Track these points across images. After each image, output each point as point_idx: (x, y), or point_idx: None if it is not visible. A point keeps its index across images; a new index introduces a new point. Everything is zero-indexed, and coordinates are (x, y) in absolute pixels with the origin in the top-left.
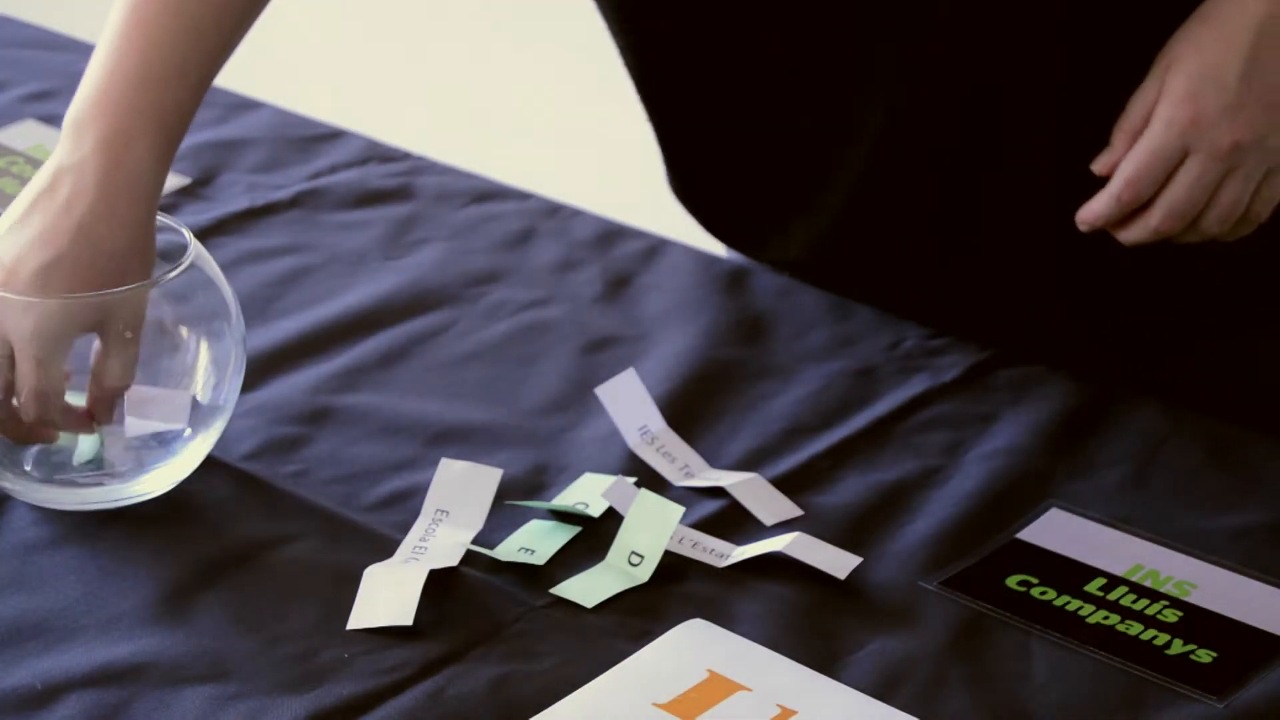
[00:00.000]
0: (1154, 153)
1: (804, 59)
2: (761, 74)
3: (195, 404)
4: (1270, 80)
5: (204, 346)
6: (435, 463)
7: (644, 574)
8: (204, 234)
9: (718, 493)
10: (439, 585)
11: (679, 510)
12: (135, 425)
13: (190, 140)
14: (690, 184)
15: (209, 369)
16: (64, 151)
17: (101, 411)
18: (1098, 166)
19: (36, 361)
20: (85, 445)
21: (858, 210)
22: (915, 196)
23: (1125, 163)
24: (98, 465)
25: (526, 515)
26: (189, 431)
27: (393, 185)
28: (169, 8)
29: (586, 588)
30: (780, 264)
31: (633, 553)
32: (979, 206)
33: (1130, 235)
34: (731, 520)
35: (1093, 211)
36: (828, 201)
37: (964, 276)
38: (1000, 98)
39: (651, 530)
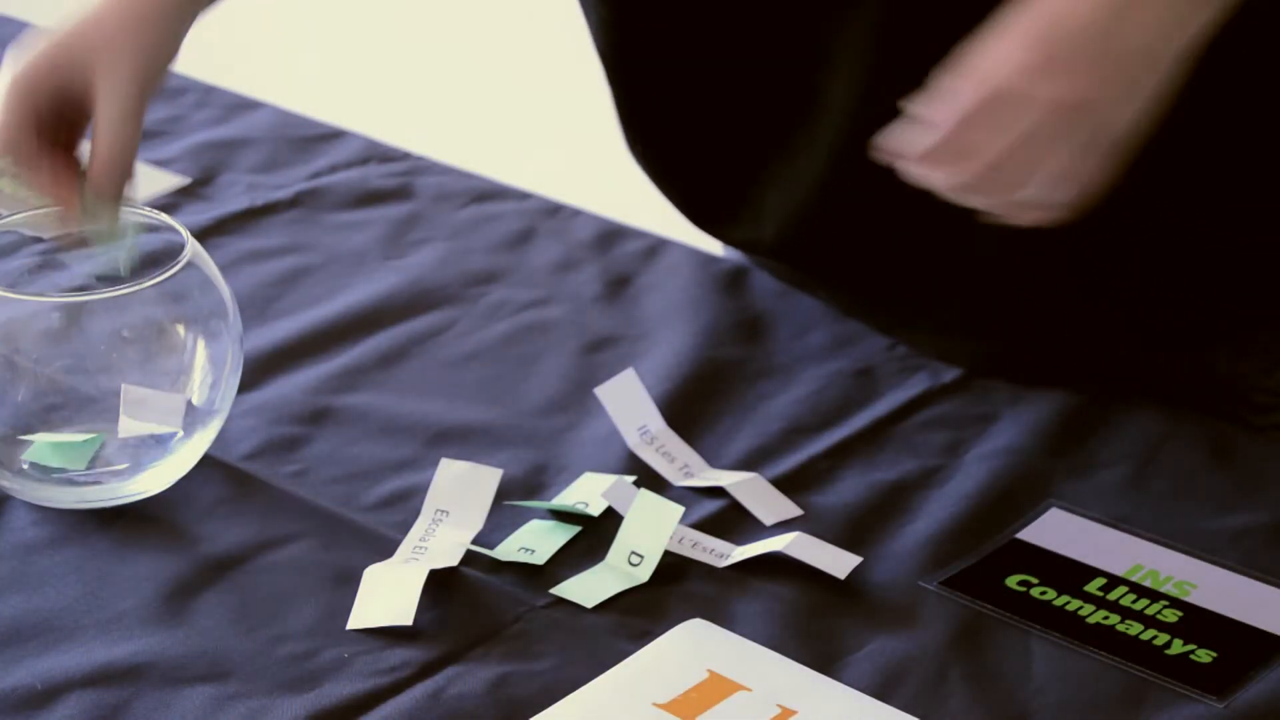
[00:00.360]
0: (995, 93)
1: (776, 13)
2: (732, 25)
3: (191, 404)
4: (1130, 44)
5: (201, 346)
6: (435, 463)
7: (644, 574)
8: (204, 234)
9: (718, 493)
10: (439, 585)
11: (679, 510)
12: (129, 426)
13: (190, 140)
14: (654, 147)
15: (206, 368)
16: None
17: (102, 185)
18: (920, 104)
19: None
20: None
21: (832, 189)
22: (893, 178)
23: (959, 98)
24: (130, 261)
25: (526, 515)
26: (181, 434)
27: (393, 185)
28: None
29: (586, 588)
30: (754, 246)
31: (633, 553)
32: None
33: (938, 180)
34: (731, 520)
35: (905, 142)
36: (801, 173)
37: (952, 262)
38: None
39: (651, 530)
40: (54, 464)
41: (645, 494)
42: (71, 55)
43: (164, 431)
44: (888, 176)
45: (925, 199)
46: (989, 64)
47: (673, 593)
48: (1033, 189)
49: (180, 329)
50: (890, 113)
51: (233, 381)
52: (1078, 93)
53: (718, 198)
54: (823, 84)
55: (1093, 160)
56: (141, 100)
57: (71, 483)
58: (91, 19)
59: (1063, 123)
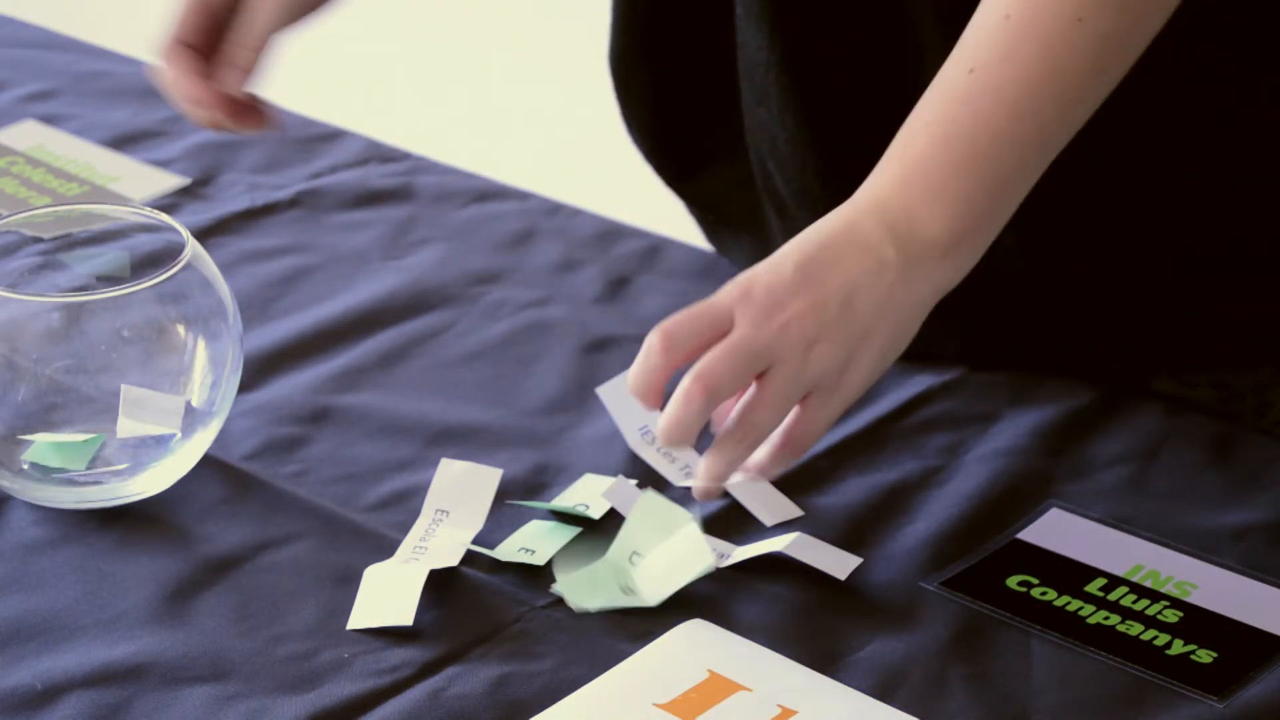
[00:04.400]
0: (699, 308)
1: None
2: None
3: (191, 405)
4: (830, 284)
5: (201, 346)
6: (435, 463)
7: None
8: (204, 234)
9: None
10: (439, 585)
11: (688, 516)
12: (128, 428)
13: (190, 140)
14: (635, 81)
15: (206, 368)
16: None
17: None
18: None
19: None
20: None
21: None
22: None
23: (666, 320)
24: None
25: (527, 515)
26: (180, 435)
27: (393, 185)
28: None
29: (585, 591)
30: (719, 209)
31: (634, 553)
32: None
33: (661, 419)
34: (732, 520)
35: (637, 379)
36: (769, 126)
37: None
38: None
39: (656, 533)
40: (54, 464)
41: (650, 495)
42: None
43: (163, 433)
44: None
45: None
46: (702, 301)
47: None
48: (750, 421)
49: (180, 329)
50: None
51: (233, 382)
52: (777, 317)
53: (686, 141)
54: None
55: (812, 406)
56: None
57: (71, 483)
58: None
59: (767, 344)
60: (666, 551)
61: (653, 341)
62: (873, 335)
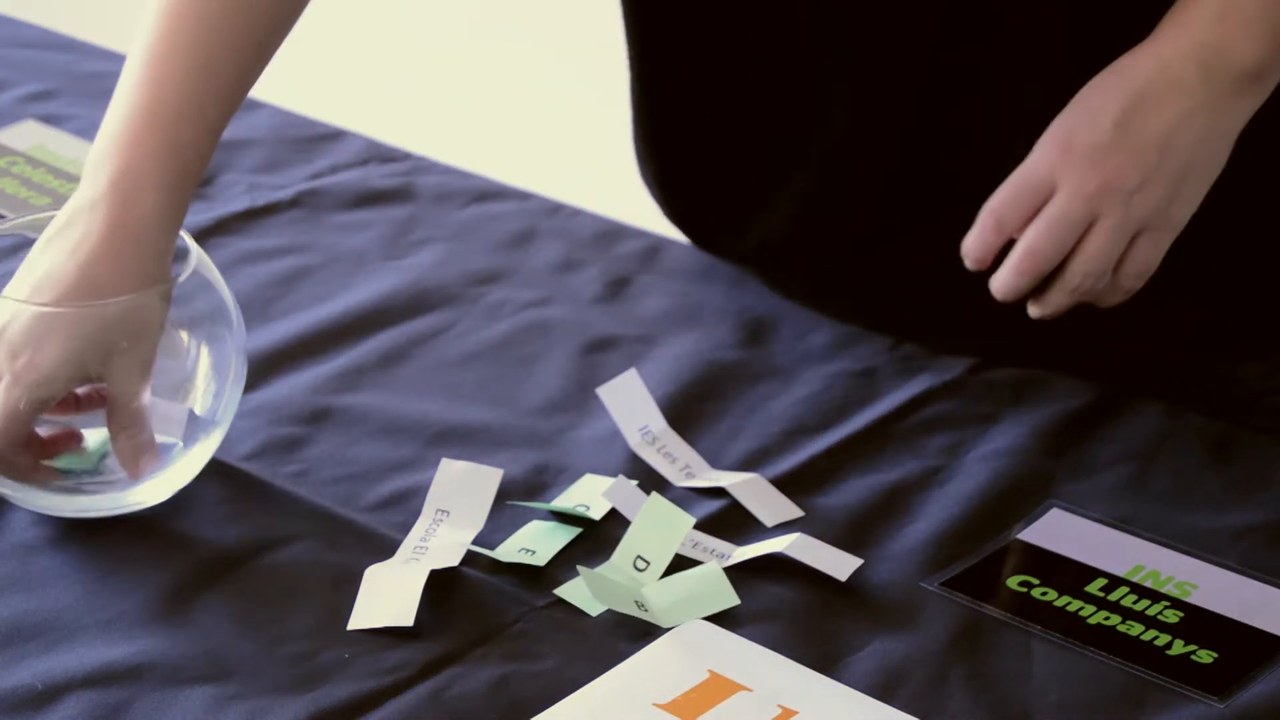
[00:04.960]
0: (1021, 180)
1: (784, 43)
2: (746, 54)
3: (194, 413)
4: (1147, 132)
5: (204, 353)
6: (435, 463)
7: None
8: (204, 234)
9: (718, 493)
10: (439, 585)
11: (690, 520)
12: None
13: None
14: (667, 164)
15: (209, 375)
16: (82, 190)
17: (114, 426)
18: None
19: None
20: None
21: (824, 196)
22: (881, 188)
23: (994, 195)
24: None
25: (527, 515)
26: (181, 445)
27: (393, 185)
28: (182, 45)
29: (589, 594)
30: (753, 257)
31: (639, 557)
32: (953, 203)
33: (996, 278)
34: (732, 521)
35: (967, 246)
36: (794, 189)
37: (941, 277)
38: (985, 84)
39: (660, 537)
40: (63, 466)
41: (656, 499)
42: (93, 355)
43: (165, 442)
44: (868, 195)
45: (923, 210)
46: (1023, 166)
47: None
48: (1080, 275)
49: (183, 335)
50: (875, 137)
51: (235, 392)
52: (1101, 178)
53: (719, 214)
54: (824, 102)
55: (1136, 248)
56: (147, 380)
57: (71, 492)
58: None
59: (1091, 206)
60: (688, 582)
61: (985, 222)
62: (1192, 172)
